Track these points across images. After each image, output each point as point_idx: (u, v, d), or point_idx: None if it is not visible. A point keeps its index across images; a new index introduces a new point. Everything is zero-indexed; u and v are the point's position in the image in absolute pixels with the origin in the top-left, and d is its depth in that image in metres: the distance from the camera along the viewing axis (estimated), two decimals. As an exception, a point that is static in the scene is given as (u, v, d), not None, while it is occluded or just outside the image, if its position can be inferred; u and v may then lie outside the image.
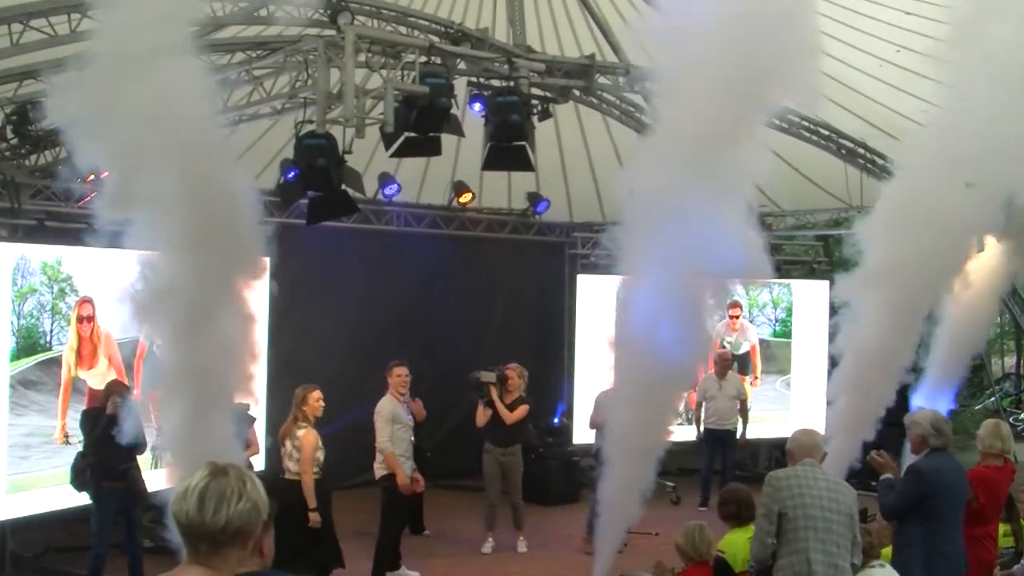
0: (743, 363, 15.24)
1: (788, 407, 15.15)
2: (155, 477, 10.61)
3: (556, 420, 14.56)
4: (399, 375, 10.06)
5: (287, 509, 8.42)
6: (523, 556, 11.09)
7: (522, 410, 11.15)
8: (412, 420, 10.17)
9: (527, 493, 13.25)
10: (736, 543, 6.66)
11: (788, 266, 15.89)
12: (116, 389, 9.29)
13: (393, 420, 9.88)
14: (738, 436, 13.15)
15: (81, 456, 9.08)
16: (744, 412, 13.19)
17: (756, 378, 15.16)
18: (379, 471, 9.97)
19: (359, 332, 13.39)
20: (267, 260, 11.67)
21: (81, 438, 9.27)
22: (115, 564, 9.53)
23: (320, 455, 9.13)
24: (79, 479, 9.06)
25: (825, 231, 16.01)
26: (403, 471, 9.75)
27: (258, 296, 11.59)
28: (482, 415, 11.10)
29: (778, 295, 15.40)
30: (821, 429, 14.60)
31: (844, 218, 15.69)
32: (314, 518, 8.95)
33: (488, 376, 11.16)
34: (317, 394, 9.30)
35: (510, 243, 15.34)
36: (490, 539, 11.26)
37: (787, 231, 15.51)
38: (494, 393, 11.12)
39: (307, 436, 9.07)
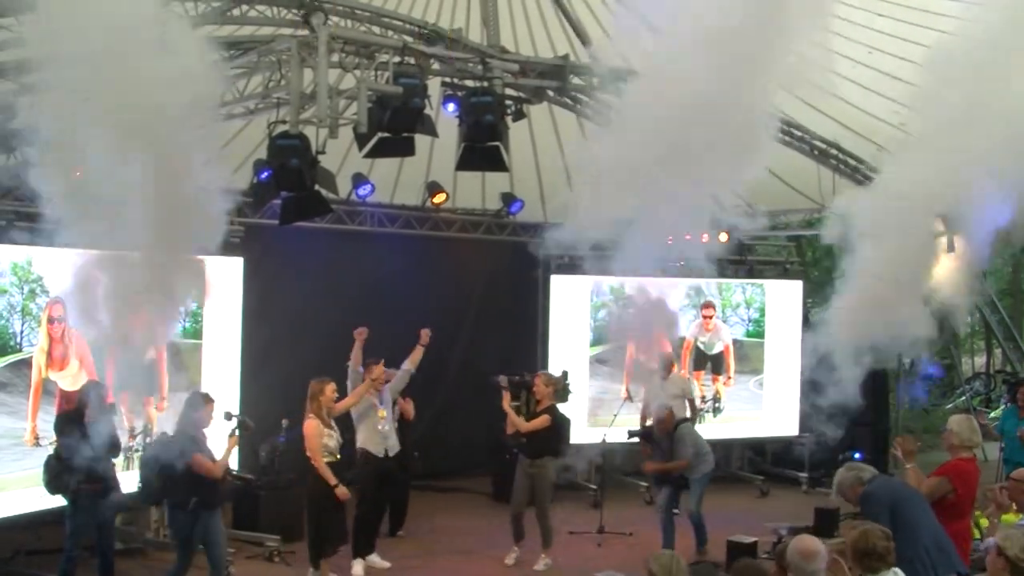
0: (717, 363, 15.30)
1: (761, 407, 15.21)
2: (128, 478, 10.59)
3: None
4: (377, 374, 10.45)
5: (312, 494, 9.58)
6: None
7: (541, 420, 10.79)
8: (389, 411, 10.62)
9: (501, 493, 13.32)
10: None
11: (761, 266, 15.94)
12: (93, 390, 9.22)
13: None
14: None
15: (55, 459, 8.98)
16: (693, 410, 12.77)
17: (729, 378, 15.21)
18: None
19: (332, 331, 13.28)
20: (241, 260, 11.88)
21: (52, 440, 9.18)
22: (86, 566, 9.46)
23: (329, 440, 9.58)
24: (55, 482, 8.97)
25: (798, 231, 16.05)
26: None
27: (232, 295, 11.74)
28: (508, 422, 11.02)
29: (751, 295, 15.45)
30: (794, 428, 14.94)
31: (817, 219, 15.75)
32: (341, 491, 9.49)
33: (504, 381, 11.13)
34: (332, 387, 9.76)
35: (484, 243, 15.33)
36: (515, 551, 10.98)
37: (760, 231, 15.50)
38: (506, 400, 11.06)
39: (307, 426, 9.55)
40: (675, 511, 11.05)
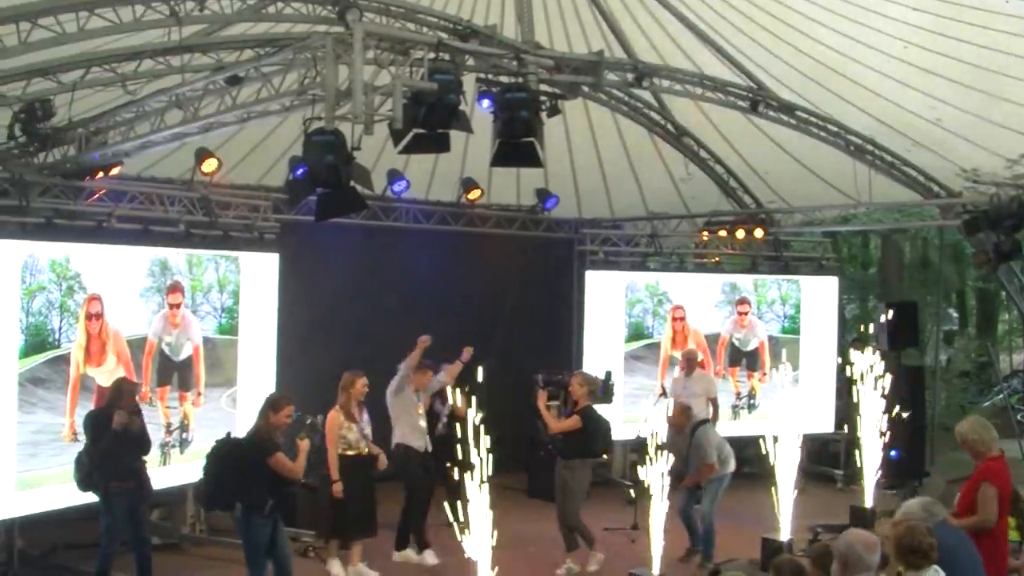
0: (752, 360, 15.19)
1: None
2: (164, 474, 10.64)
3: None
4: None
5: (349, 480, 9.78)
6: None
7: (571, 422, 10.69)
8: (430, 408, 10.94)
9: (538, 490, 13.25)
10: None
11: (796, 262, 15.82)
12: (125, 387, 9.26)
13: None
14: None
15: (86, 456, 9.01)
16: (715, 410, 12.62)
17: (765, 374, 15.08)
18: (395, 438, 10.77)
19: (366, 326, 13.35)
20: (276, 257, 11.91)
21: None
22: (122, 561, 9.50)
23: (348, 433, 9.87)
24: (86, 480, 9.01)
25: (833, 227, 15.91)
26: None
27: (267, 291, 11.77)
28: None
29: (786, 291, 15.32)
30: (829, 425, 14.79)
31: (852, 215, 15.62)
32: (336, 488, 9.76)
33: (540, 380, 11.07)
34: (364, 381, 10.08)
35: (518, 239, 15.26)
36: (568, 562, 10.59)
37: (795, 227, 15.38)
38: (541, 400, 11.00)
39: (329, 416, 9.89)
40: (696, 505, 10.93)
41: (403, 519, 10.96)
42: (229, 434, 9.17)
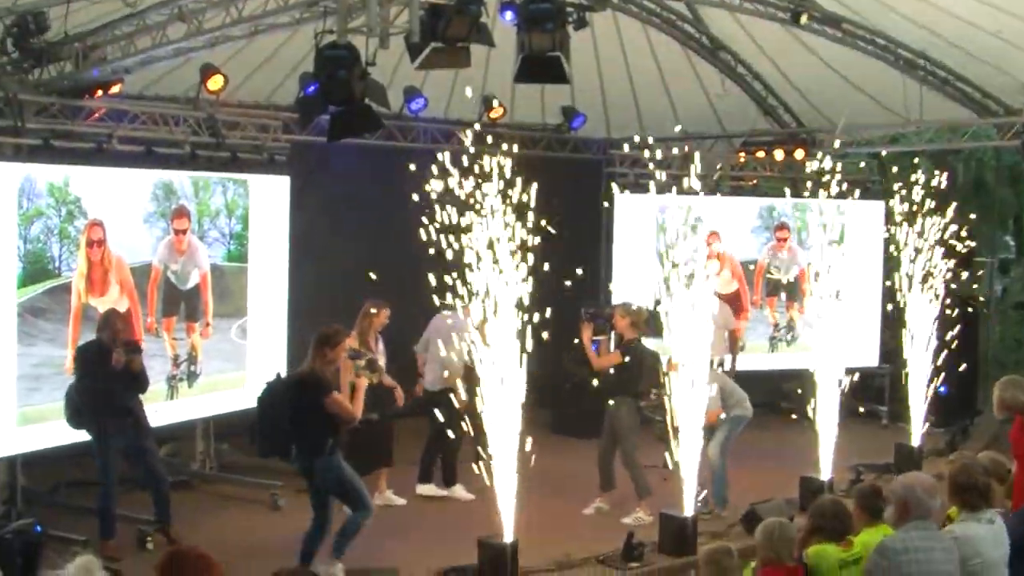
0: (791, 289, 15.08)
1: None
2: (171, 408, 10.68)
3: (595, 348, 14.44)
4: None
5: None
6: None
7: (611, 357, 10.71)
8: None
9: (562, 426, 13.21)
10: (827, 555, 6.29)
11: (840, 184, 15.56)
12: (112, 319, 9.22)
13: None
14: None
15: (75, 392, 9.03)
16: (733, 343, 12.51)
17: (804, 306, 14.97)
18: (436, 386, 10.78)
19: (383, 252, 13.24)
20: (287, 180, 11.84)
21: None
22: (131, 498, 9.57)
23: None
24: (76, 418, 9.03)
25: (880, 148, 15.69)
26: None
27: (278, 216, 11.71)
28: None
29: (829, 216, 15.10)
30: (874, 359, 14.70)
31: (901, 134, 15.39)
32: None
33: (584, 314, 10.98)
34: (387, 313, 10.50)
35: (543, 161, 15.08)
36: (596, 501, 10.70)
37: (840, 148, 15.15)
38: (585, 334, 10.91)
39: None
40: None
41: (428, 453, 11.11)
42: (279, 375, 9.11)
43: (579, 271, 10.58)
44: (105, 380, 8.90)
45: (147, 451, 9.30)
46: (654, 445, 12.47)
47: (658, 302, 11.25)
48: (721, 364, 11.44)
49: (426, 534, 9.93)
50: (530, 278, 8.62)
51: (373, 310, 10.53)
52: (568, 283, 9.85)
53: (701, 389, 9.50)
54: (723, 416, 10.50)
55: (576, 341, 11.17)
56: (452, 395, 9.81)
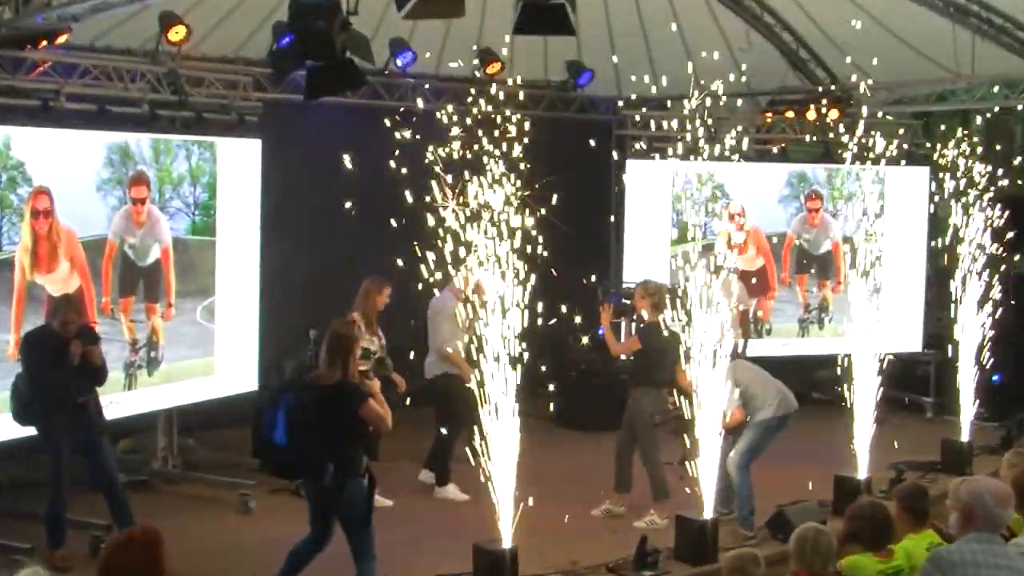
0: (824, 265, 15.07)
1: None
2: (130, 399, 10.67)
3: (601, 331, 14.42)
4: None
5: None
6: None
7: (628, 343, 10.74)
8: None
9: (562, 417, 13.20)
10: (864, 567, 6.33)
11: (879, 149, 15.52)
12: (60, 305, 9.19)
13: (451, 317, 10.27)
14: None
15: (23, 384, 8.94)
16: (745, 326, 12.34)
17: (839, 283, 14.91)
18: (435, 369, 11.08)
19: (366, 225, 13.20)
20: (259, 143, 11.79)
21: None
22: (88, 502, 9.52)
23: (369, 345, 10.11)
24: (23, 412, 8.95)
25: (925, 107, 15.65)
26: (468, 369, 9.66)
27: (249, 184, 11.66)
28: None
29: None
30: (917, 344, 14.69)
31: (950, 91, 15.32)
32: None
33: (602, 294, 10.98)
34: (388, 291, 10.68)
35: (546, 121, 15.01)
36: (607, 503, 10.62)
37: (879, 107, 15.11)
38: (604, 317, 10.89)
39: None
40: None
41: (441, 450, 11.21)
42: (300, 375, 8.99)
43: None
44: (57, 373, 8.84)
45: (99, 447, 9.18)
46: (669, 439, 12.49)
47: (686, 279, 11.17)
48: (735, 350, 11.28)
49: (416, 539, 9.88)
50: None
51: (375, 289, 10.66)
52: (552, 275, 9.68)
53: (720, 380, 9.44)
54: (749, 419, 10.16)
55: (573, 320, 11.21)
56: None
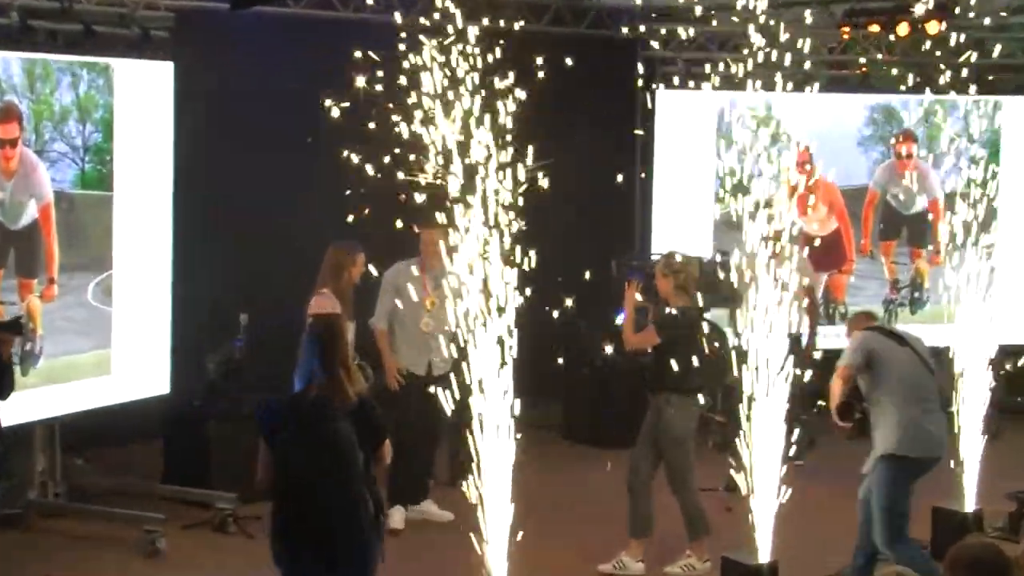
0: (917, 229, 14.97)
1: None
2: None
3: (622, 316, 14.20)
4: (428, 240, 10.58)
5: None
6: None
7: (644, 335, 10.40)
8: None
9: (574, 430, 13.07)
10: None
11: (994, 74, 15.37)
12: None
13: (397, 291, 10.82)
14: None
15: None
16: (813, 309, 12.54)
17: (938, 253, 14.65)
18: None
19: (308, 169, 13.05)
20: (170, 66, 11.55)
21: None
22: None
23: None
24: None
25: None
26: (392, 360, 10.41)
27: (158, 119, 11.43)
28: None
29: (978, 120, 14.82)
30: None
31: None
32: None
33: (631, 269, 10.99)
34: (363, 258, 10.74)
35: (552, 40, 14.77)
36: (623, 554, 10.33)
37: (993, 20, 14.81)
38: (628, 298, 10.64)
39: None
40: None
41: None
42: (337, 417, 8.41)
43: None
44: None
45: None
46: (711, 456, 12.28)
47: (724, 253, 10.92)
48: (797, 342, 11.01)
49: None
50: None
51: (347, 258, 10.78)
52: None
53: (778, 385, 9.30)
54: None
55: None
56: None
